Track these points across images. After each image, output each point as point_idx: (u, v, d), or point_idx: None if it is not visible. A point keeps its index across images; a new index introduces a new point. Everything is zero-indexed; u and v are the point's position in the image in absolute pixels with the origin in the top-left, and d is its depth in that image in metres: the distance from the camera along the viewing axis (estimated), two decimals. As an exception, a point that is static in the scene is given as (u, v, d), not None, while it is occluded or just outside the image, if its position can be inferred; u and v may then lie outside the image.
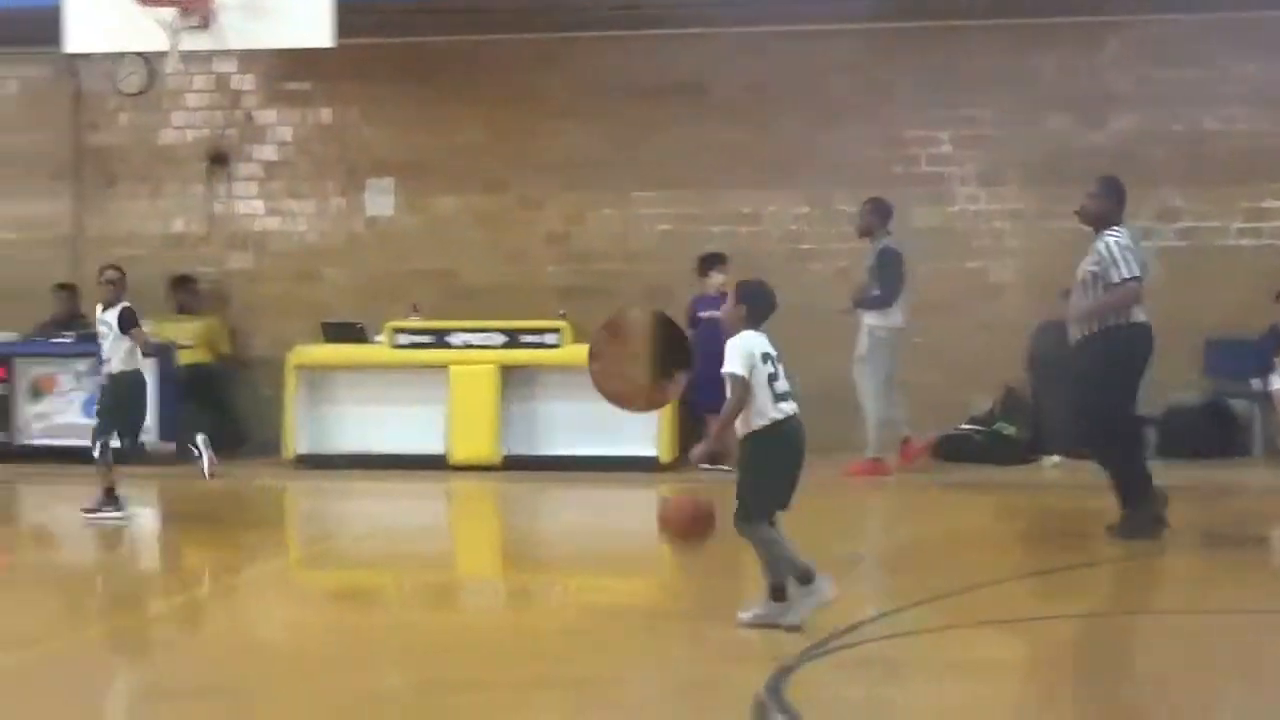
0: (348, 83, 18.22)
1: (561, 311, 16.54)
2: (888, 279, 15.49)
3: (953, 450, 16.34)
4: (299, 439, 16.43)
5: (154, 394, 16.40)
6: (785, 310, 8.70)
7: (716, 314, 15.74)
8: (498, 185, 18.14)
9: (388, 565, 11.71)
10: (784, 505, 8.66)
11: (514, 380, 16.25)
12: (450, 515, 15.51)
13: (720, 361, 8.42)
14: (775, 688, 7.21)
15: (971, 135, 17.38)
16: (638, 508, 14.83)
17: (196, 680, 7.76)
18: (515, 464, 16.03)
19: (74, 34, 16.07)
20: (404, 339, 16.49)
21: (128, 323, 13.39)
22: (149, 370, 15.71)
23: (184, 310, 18.13)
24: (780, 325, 8.64)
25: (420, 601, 10.45)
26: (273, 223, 18.78)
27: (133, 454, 13.61)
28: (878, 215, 15.72)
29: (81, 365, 16.78)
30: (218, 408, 17.69)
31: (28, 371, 17.15)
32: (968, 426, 16.71)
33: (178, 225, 18.87)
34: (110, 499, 13.30)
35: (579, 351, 15.60)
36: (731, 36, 17.51)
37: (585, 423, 15.69)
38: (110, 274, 13.84)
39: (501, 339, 16.36)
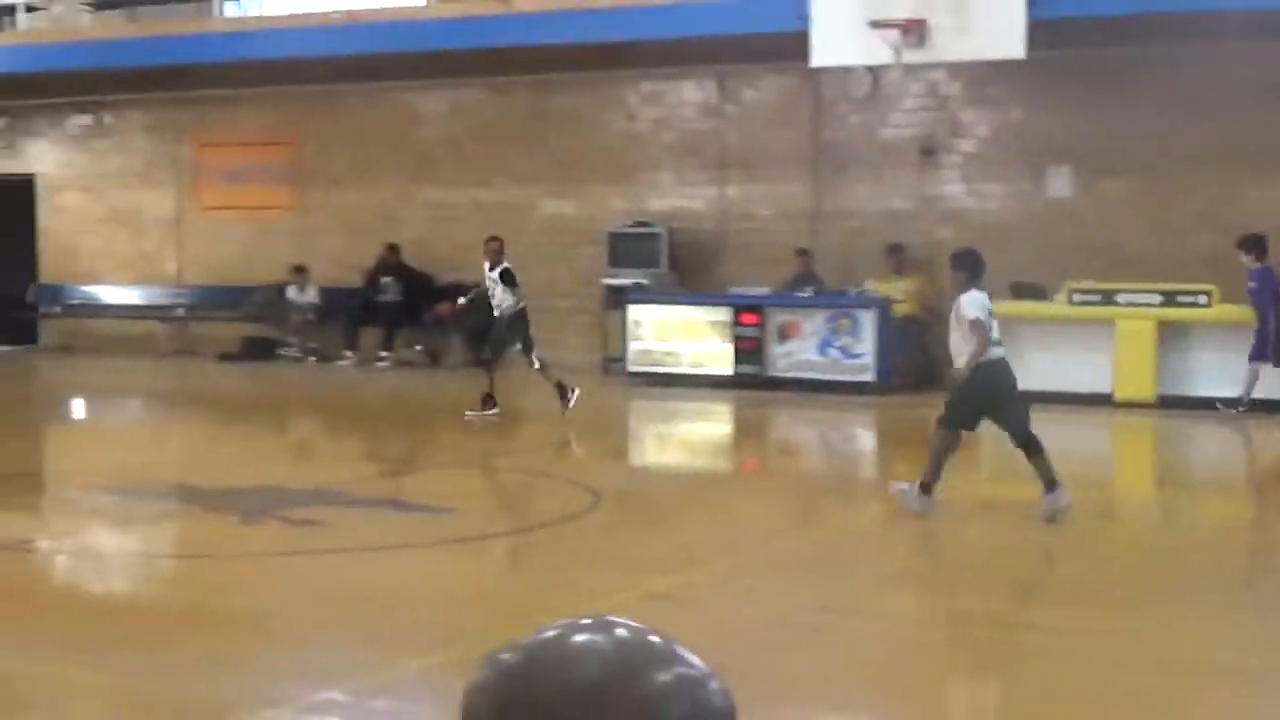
0: (1033, 86, 19.90)
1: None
2: None
3: None
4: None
5: (874, 338, 19.58)
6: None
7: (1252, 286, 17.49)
8: (1151, 170, 19.50)
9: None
10: (971, 428, 11.04)
11: (1168, 334, 18.12)
12: (1113, 446, 17.61)
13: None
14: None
15: None
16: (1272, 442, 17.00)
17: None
18: (1168, 403, 17.97)
19: (818, 52, 18.98)
20: (1079, 297, 18.43)
21: (510, 279, 16.87)
22: (872, 316, 18.95)
23: (896, 271, 20.48)
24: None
25: (1086, 516, 11.61)
26: (970, 202, 20.68)
27: (490, 363, 17.04)
28: None
29: (819, 315, 19.76)
30: (921, 352, 20.30)
31: (776, 318, 20.01)
32: None
33: (894, 204, 21.05)
34: (488, 402, 16.81)
35: (1227, 311, 18.03)
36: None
37: (1231, 370, 17.80)
38: (491, 244, 17.39)
39: (1159, 299, 18.18)
